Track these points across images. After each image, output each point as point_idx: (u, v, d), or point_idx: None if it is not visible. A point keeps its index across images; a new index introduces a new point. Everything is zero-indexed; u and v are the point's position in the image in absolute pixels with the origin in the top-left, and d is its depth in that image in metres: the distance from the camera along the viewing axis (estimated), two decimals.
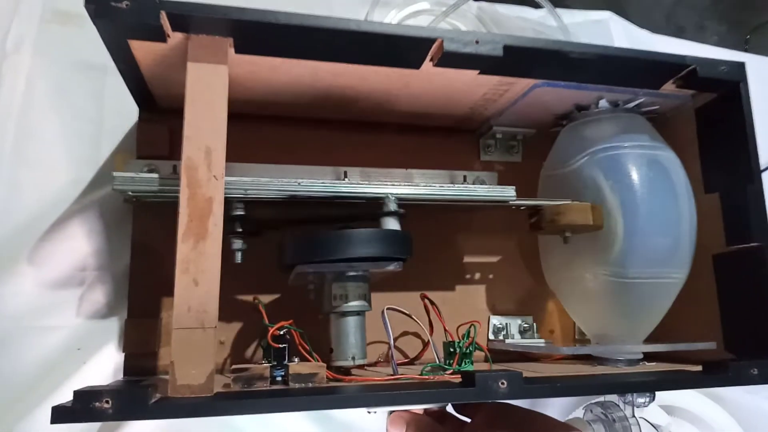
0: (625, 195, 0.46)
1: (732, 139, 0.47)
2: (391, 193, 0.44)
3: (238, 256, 0.43)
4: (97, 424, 0.47)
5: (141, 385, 0.35)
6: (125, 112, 0.50)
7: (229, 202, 0.42)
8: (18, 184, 0.50)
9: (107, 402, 0.30)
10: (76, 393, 0.30)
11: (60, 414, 0.29)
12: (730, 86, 0.47)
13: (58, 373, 0.47)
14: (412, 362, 0.51)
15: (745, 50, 1.61)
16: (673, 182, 0.47)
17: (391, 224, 0.44)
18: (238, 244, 0.43)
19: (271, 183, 0.42)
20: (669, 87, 0.48)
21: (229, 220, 0.43)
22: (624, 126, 0.50)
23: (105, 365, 0.48)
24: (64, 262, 0.49)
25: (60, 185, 0.50)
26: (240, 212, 0.43)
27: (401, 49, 0.40)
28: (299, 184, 0.43)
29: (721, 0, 1.87)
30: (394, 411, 0.44)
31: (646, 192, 0.46)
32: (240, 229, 0.43)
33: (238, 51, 0.39)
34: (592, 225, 0.46)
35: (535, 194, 0.55)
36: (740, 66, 0.47)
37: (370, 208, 0.45)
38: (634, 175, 0.46)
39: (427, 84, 0.46)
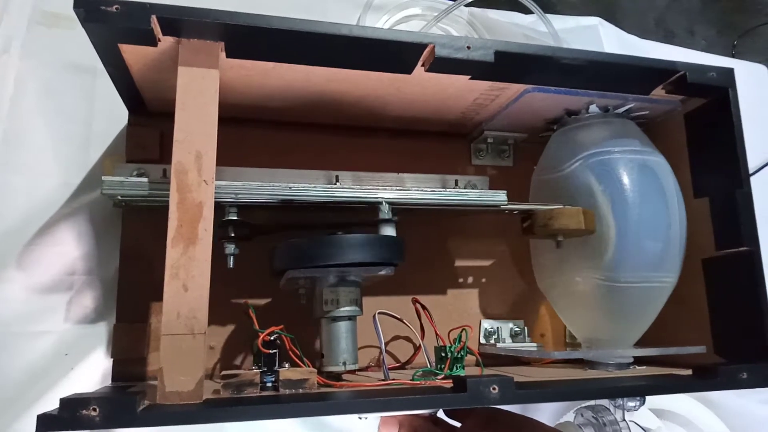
0: (615, 200, 0.47)
1: (721, 144, 0.47)
2: (384, 199, 0.44)
3: (230, 261, 0.43)
4: None
5: (129, 392, 0.35)
6: (115, 115, 0.50)
7: (222, 207, 0.42)
8: (6, 187, 0.49)
9: (94, 409, 0.29)
10: (63, 401, 0.29)
11: (46, 422, 0.29)
12: (719, 92, 0.47)
13: (45, 379, 0.47)
14: (403, 367, 0.51)
15: (733, 55, 1.63)
16: (663, 187, 0.47)
17: (388, 231, 0.44)
18: (230, 248, 0.43)
19: (262, 187, 0.42)
20: (659, 92, 0.48)
21: (221, 225, 0.42)
22: (614, 131, 0.50)
23: (93, 371, 0.48)
24: (52, 267, 0.48)
25: (49, 189, 0.50)
26: (233, 217, 0.43)
27: (393, 54, 0.40)
28: (290, 188, 0.42)
29: (711, 5, 1.89)
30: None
31: (636, 197, 0.46)
32: (233, 234, 0.43)
33: (229, 55, 0.38)
34: (585, 229, 0.46)
35: (527, 199, 0.55)
36: (729, 72, 0.47)
37: (366, 215, 0.45)
38: (625, 180, 0.47)
39: (419, 89, 0.46)
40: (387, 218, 0.44)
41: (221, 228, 0.43)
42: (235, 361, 0.48)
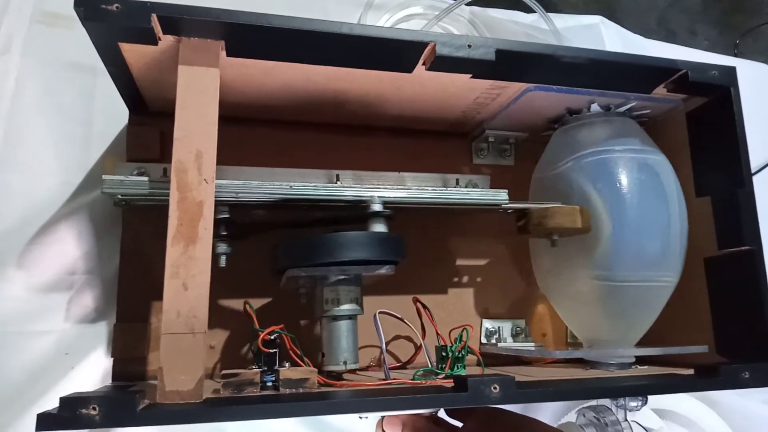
0: (614, 198, 0.46)
1: (723, 142, 0.47)
2: (385, 198, 0.44)
3: (222, 260, 0.43)
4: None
5: (129, 391, 0.35)
6: (115, 114, 0.49)
7: (215, 205, 0.42)
8: (6, 186, 0.49)
9: (94, 408, 0.29)
10: (63, 399, 0.29)
11: (46, 421, 0.29)
12: (721, 90, 0.47)
13: (45, 378, 0.47)
14: (404, 366, 0.51)
15: (735, 54, 1.63)
16: (663, 186, 0.47)
17: (378, 227, 0.44)
18: (222, 248, 0.43)
19: (262, 186, 0.42)
20: (660, 91, 0.48)
21: (213, 224, 0.42)
22: (615, 130, 0.50)
23: (93, 370, 0.47)
24: (52, 266, 0.48)
25: (49, 188, 0.50)
26: (225, 215, 0.42)
27: (394, 53, 0.40)
28: (291, 187, 0.42)
29: (713, 5, 1.89)
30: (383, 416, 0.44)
31: (635, 195, 0.46)
32: (224, 233, 0.43)
33: (229, 54, 0.38)
34: (580, 228, 0.46)
35: (527, 198, 0.55)
36: (731, 70, 0.47)
37: (357, 211, 0.45)
38: (624, 179, 0.46)
39: (420, 88, 0.45)
40: (377, 212, 0.43)
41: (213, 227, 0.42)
42: (236, 361, 0.48)
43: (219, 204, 0.42)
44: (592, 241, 0.47)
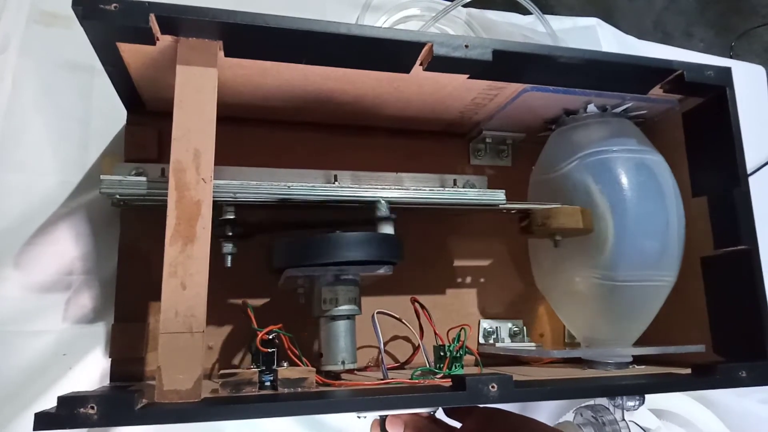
0: (613, 199, 0.47)
1: (719, 143, 0.47)
2: (382, 197, 0.44)
3: (228, 260, 0.43)
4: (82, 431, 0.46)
5: (127, 390, 0.35)
6: (113, 113, 0.49)
7: (219, 206, 0.42)
8: (3, 186, 0.49)
9: (92, 407, 0.29)
10: (61, 399, 0.29)
11: (43, 420, 0.29)
12: (717, 91, 0.47)
13: (43, 378, 0.46)
14: (402, 366, 0.51)
15: (731, 56, 1.64)
16: (661, 185, 0.47)
17: (386, 229, 0.44)
18: (228, 248, 0.43)
19: (260, 186, 0.42)
20: (657, 91, 0.48)
21: (219, 225, 0.42)
22: (612, 130, 0.50)
23: (91, 371, 0.47)
24: (50, 266, 0.48)
25: (46, 187, 0.50)
26: (231, 216, 0.42)
27: (391, 53, 0.40)
28: (289, 187, 0.42)
29: (708, 7, 1.90)
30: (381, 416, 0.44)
31: (634, 196, 0.46)
32: (230, 233, 0.43)
33: (227, 54, 0.39)
34: (583, 228, 0.46)
35: (525, 198, 0.55)
36: (726, 71, 0.47)
37: (363, 213, 0.45)
38: (623, 179, 0.47)
39: (417, 88, 0.46)
40: (385, 216, 0.44)
41: (219, 227, 0.43)
42: (234, 361, 0.48)
43: (225, 205, 0.42)
44: (594, 240, 0.47)
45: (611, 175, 0.47)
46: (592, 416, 0.55)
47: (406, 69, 0.42)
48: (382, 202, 0.44)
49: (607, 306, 0.48)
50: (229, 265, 0.43)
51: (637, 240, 0.46)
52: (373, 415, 0.45)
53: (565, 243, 0.49)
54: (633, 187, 0.46)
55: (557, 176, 0.51)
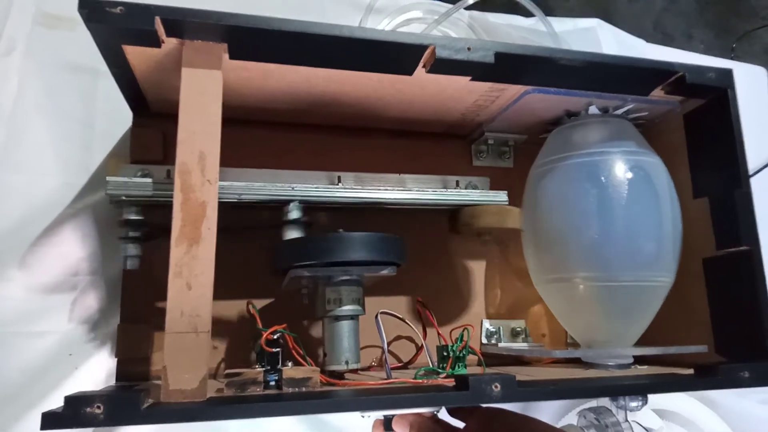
0: (606, 199, 0.47)
1: (720, 144, 0.47)
2: (386, 199, 0.44)
3: (127, 263, 0.43)
4: (88, 431, 0.47)
5: (133, 390, 0.35)
6: (117, 115, 0.50)
7: (119, 207, 0.42)
8: (8, 187, 0.49)
9: (98, 407, 0.29)
10: (67, 398, 0.30)
11: (50, 420, 0.29)
12: (718, 92, 0.47)
13: (49, 378, 0.47)
14: (405, 366, 0.51)
15: (732, 58, 1.64)
16: (655, 187, 0.48)
17: (293, 233, 0.44)
18: (128, 250, 0.43)
19: (264, 188, 0.42)
20: (658, 93, 0.49)
21: (120, 225, 0.43)
22: (609, 131, 0.50)
23: (97, 371, 0.48)
24: (56, 267, 0.49)
25: (51, 189, 0.50)
26: (132, 216, 0.43)
27: (394, 56, 0.41)
28: (293, 188, 0.43)
29: (709, 8, 1.90)
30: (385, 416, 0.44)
31: (627, 196, 0.46)
32: (131, 235, 0.43)
33: (232, 57, 0.39)
34: (507, 228, 0.46)
35: None
36: (728, 73, 0.47)
37: (273, 217, 0.44)
38: (616, 180, 0.47)
39: (420, 90, 0.46)
40: (294, 219, 0.44)
41: (121, 228, 0.43)
42: (239, 361, 0.48)
43: (127, 204, 0.42)
44: (586, 241, 0.47)
45: (604, 176, 0.47)
46: (595, 418, 0.55)
47: (409, 71, 0.42)
48: (292, 203, 0.44)
49: (603, 307, 0.48)
50: (128, 267, 0.43)
51: (629, 240, 0.46)
52: (377, 415, 0.46)
53: (556, 243, 0.49)
54: (624, 188, 0.46)
55: (551, 174, 0.50)
